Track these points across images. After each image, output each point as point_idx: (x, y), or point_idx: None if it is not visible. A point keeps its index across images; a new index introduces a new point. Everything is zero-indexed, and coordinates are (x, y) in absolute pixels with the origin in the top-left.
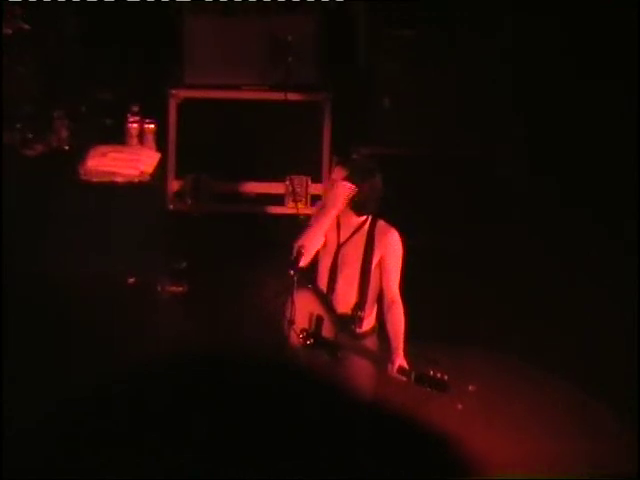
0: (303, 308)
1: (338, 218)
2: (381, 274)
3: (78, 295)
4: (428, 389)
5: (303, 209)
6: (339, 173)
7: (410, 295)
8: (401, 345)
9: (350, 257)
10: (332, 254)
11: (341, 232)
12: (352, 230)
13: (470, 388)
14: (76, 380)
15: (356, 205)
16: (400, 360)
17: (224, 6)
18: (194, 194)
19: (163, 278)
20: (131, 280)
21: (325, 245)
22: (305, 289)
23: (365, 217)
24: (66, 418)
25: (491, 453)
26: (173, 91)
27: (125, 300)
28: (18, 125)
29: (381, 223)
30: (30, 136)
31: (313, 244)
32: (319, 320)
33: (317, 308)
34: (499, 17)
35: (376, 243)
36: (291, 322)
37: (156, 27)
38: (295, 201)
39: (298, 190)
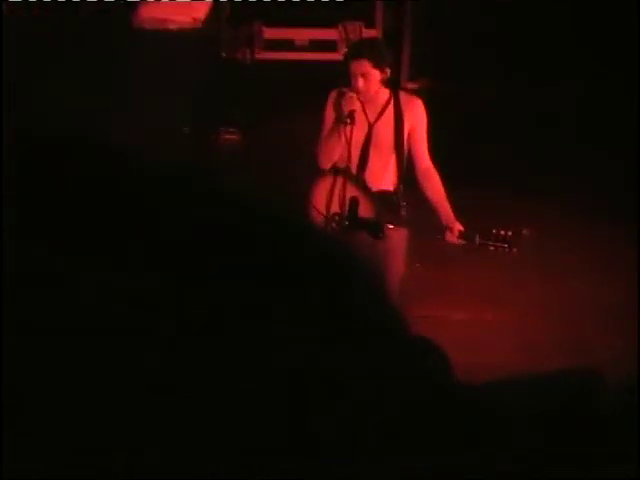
0: (331, 193)
1: (362, 103)
2: (412, 145)
3: (131, 144)
4: (492, 248)
5: None
6: (362, 67)
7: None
8: (450, 209)
9: (383, 135)
10: (363, 135)
11: (368, 113)
12: (380, 108)
13: (524, 232)
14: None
15: (387, 85)
16: (457, 225)
17: None
18: (247, 41)
19: (217, 126)
20: (185, 129)
21: (353, 128)
22: (328, 175)
23: (389, 92)
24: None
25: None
26: None
27: (180, 149)
28: None
29: (404, 94)
30: None
31: (333, 149)
32: (354, 201)
33: (348, 191)
34: None
35: (405, 115)
36: (320, 208)
37: None
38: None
39: (351, 36)
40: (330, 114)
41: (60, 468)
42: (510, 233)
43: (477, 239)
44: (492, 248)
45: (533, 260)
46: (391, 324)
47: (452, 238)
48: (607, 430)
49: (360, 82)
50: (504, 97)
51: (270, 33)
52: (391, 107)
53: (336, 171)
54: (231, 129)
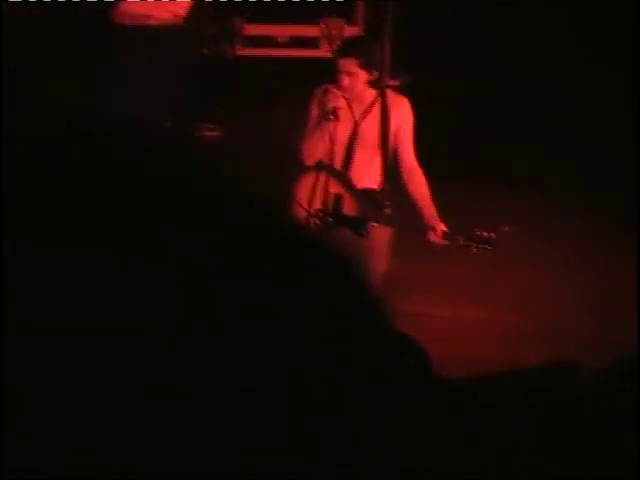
0: (315, 190)
1: (348, 100)
2: (397, 144)
3: (113, 142)
4: (475, 249)
5: None
6: (348, 65)
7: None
8: (434, 209)
9: (368, 133)
10: (348, 132)
11: (354, 110)
12: (366, 106)
13: (505, 229)
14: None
15: (373, 85)
16: (441, 225)
17: None
18: (228, 38)
19: (198, 122)
20: (167, 124)
21: (338, 126)
22: (313, 171)
23: (376, 91)
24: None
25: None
26: None
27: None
28: None
29: (391, 93)
30: None
31: (316, 146)
32: (339, 198)
33: (333, 187)
34: None
35: (391, 114)
36: (304, 204)
37: None
38: (330, 44)
39: (333, 33)
40: (314, 111)
41: (60, 468)
42: (493, 234)
43: (460, 240)
44: (475, 249)
45: (513, 257)
46: (373, 322)
47: (435, 238)
48: (588, 423)
49: (345, 80)
50: (487, 91)
51: (252, 30)
52: (378, 105)
53: (321, 167)
54: (213, 125)
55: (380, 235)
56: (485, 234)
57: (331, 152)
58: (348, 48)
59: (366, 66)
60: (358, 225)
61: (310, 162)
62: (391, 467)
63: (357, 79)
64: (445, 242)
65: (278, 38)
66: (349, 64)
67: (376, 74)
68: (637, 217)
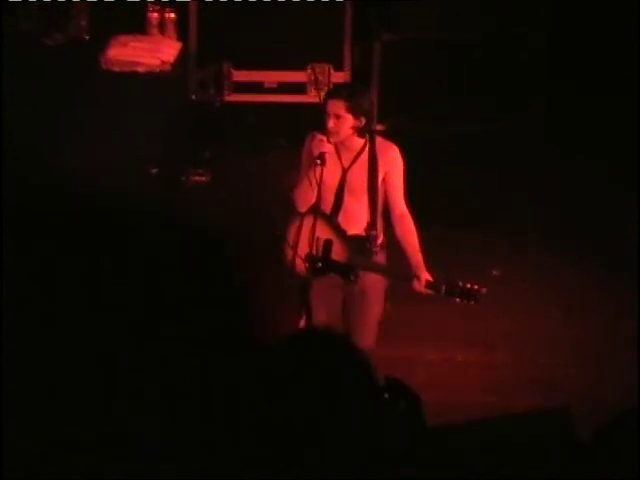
0: (305, 234)
1: (336, 147)
2: (386, 190)
3: (100, 186)
4: (458, 300)
5: None
6: (336, 107)
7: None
8: (421, 258)
9: (356, 180)
10: (337, 179)
11: (343, 157)
12: (355, 153)
13: (494, 273)
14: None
15: (360, 132)
16: (425, 274)
17: None
18: (216, 83)
19: (186, 168)
20: (154, 170)
21: (326, 172)
22: (303, 216)
23: (364, 138)
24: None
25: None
26: None
27: (148, 190)
28: (35, 13)
29: (380, 140)
30: (49, 24)
31: (306, 192)
32: (328, 244)
33: (322, 233)
34: None
35: (379, 161)
36: (295, 249)
37: None
38: (317, 89)
39: (320, 78)
40: (304, 158)
41: (60, 468)
42: (476, 287)
43: (443, 290)
44: (458, 300)
45: (504, 302)
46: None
47: (419, 287)
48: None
49: (331, 122)
50: (476, 134)
51: (239, 75)
52: (366, 152)
53: (311, 213)
54: (201, 170)
55: (372, 279)
56: (468, 285)
57: (319, 197)
58: (339, 90)
59: (353, 110)
60: (347, 271)
61: (303, 209)
62: None
63: (344, 123)
64: (428, 292)
65: (265, 84)
66: (337, 106)
67: (363, 120)
68: (628, 262)
